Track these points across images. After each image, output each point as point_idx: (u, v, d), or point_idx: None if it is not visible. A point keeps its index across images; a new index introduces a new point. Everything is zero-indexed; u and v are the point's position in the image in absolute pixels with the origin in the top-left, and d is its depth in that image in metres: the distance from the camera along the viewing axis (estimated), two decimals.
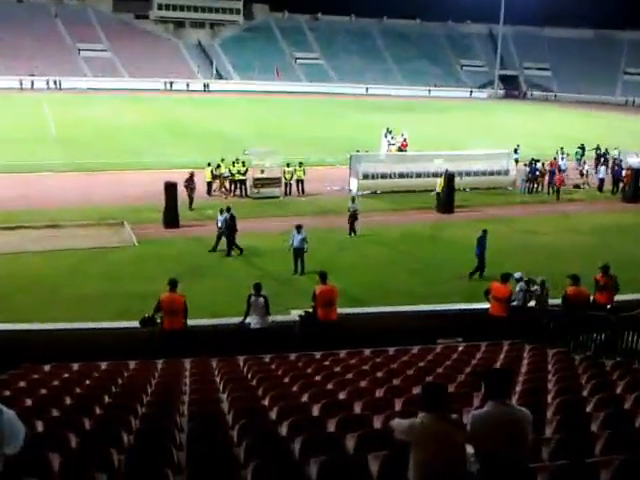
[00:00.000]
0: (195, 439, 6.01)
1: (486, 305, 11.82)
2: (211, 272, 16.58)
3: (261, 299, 11.18)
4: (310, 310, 11.61)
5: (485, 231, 16.75)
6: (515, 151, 31.21)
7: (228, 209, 18.21)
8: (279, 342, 11.15)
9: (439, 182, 24.89)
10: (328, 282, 11.69)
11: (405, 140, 34.74)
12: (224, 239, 18.15)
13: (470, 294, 14.71)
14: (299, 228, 16.41)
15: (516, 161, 29.51)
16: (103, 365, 9.61)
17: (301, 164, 26.62)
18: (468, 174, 28.45)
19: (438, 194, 24.79)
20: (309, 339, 11.33)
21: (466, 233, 21.21)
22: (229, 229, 18.01)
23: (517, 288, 11.93)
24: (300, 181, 26.38)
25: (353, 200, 20.26)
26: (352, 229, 20.06)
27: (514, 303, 11.66)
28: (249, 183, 25.72)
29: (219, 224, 18.27)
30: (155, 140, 38.38)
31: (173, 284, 10.96)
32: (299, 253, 16.35)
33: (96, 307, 13.79)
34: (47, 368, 9.44)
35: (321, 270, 12.21)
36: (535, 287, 11.96)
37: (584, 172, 30.35)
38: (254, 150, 27.98)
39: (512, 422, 4.54)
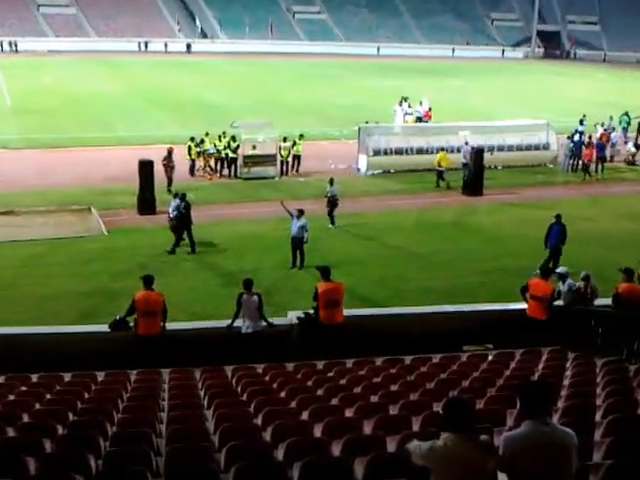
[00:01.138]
0: (175, 464, 6.00)
1: (522, 305, 11.77)
2: (193, 266, 16.59)
3: (254, 297, 11.16)
4: (311, 311, 11.59)
5: (559, 217, 16.23)
6: (581, 122, 30.77)
7: (183, 196, 17.62)
8: (274, 349, 11.15)
9: (438, 157, 24.77)
10: (332, 278, 11.65)
11: (429, 110, 34.38)
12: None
13: (502, 292, 14.65)
14: (300, 213, 16.36)
15: (580, 134, 28.84)
16: (66, 377, 9.62)
17: (302, 136, 26.54)
18: (500, 149, 28.39)
19: (439, 174, 24.66)
20: (310, 346, 11.32)
21: (497, 220, 21.28)
22: (182, 220, 17.24)
23: (565, 287, 11.83)
24: (297, 157, 26.35)
25: (331, 182, 19.65)
26: (331, 219, 19.33)
27: (558, 302, 11.58)
28: (238, 161, 25.70)
29: (171, 212, 17.48)
30: (128, 110, 38.40)
31: (149, 281, 10.94)
32: (298, 243, 16.33)
33: (58, 308, 13.81)
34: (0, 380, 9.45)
35: (324, 264, 12.16)
36: (579, 283, 11.88)
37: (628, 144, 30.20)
38: (244, 122, 27.92)
39: (553, 445, 4.48)
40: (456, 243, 18.84)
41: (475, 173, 24.05)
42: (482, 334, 11.95)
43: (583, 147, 27.63)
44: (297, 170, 26.44)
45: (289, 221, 16.77)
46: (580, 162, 27.47)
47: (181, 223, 17.42)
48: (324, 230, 19.33)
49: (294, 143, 26.20)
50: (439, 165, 24.89)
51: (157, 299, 10.82)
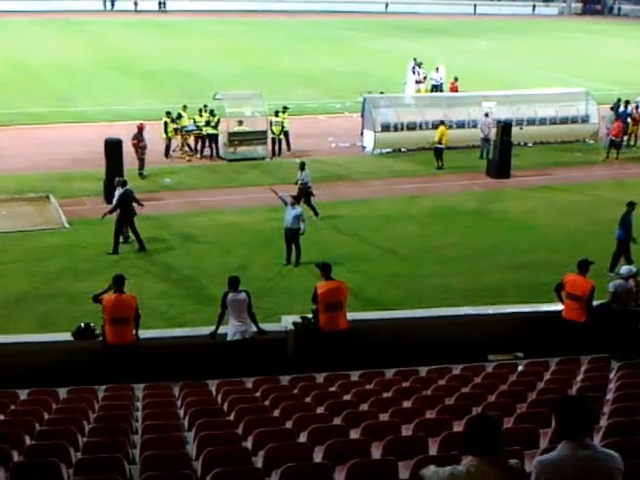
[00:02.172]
0: None
1: (557, 306, 11.79)
2: (170, 264, 16.60)
3: (242, 295, 11.18)
4: (309, 316, 11.61)
5: (632, 205, 15.89)
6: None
7: (124, 183, 17.36)
8: (266, 360, 11.17)
9: (438, 132, 24.77)
10: (334, 276, 11.67)
11: (455, 80, 33.73)
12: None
13: (534, 291, 14.68)
14: (294, 201, 16.37)
15: (626, 104, 28.18)
16: (22, 394, 9.63)
17: (285, 109, 26.55)
18: (531, 122, 28.45)
19: (439, 152, 24.64)
20: (308, 356, 11.34)
21: (527, 206, 21.32)
22: (124, 211, 16.91)
23: (615, 285, 11.79)
24: (285, 133, 26.35)
25: (302, 167, 19.36)
26: (313, 209, 19.10)
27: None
28: (222, 140, 25.72)
29: (115, 203, 17.17)
30: (91, 81, 38.36)
31: (119, 281, 10.96)
32: (293, 236, 16.35)
33: (12, 314, 13.84)
34: None
35: (323, 260, 12.18)
36: (631, 281, 11.89)
37: None
38: (228, 93, 27.92)
39: (594, 471, 4.49)
40: (479, 234, 18.88)
41: (501, 151, 24.06)
42: (510, 341, 11.97)
43: (628, 120, 27.51)
44: (289, 148, 26.49)
45: (282, 210, 16.78)
46: (621, 137, 27.13)
47: (122, 213, 17.02)
48: (323, 220, 19.35)
49: (282, 120, 26.02)
50: (439, 142, 24.80)
51: (129, 303, 10.84)
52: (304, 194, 18.98)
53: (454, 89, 33.53)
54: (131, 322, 10.81)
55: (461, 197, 22.12)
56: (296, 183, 19.34)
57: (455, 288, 15.32)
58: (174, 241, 18.10)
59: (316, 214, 19.22)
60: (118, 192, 17.27)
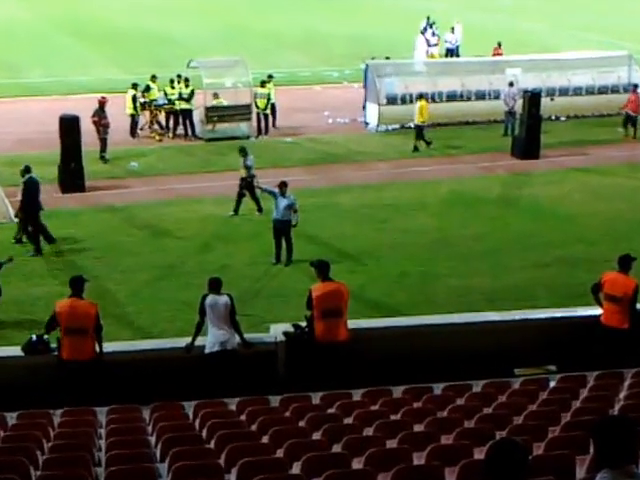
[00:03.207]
0: None
1: (596, 310, 11.81)
2: (137, 264, 16.58)
3: (223, 299, 11.18)
4: (303, 324, 11.62)
5: None
6: None
7: (27, 169, 17.24)
8: (253, 377, 11.16)
9: (418, 107, 24.69)
10: (333, 277, 11.68)
11: (499, 46, 32.97)
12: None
13: (568, 291, 14.73)
14: (282, 188, 16.34)
15: None
16: None
17: (271, 78, 26.54)
18: (564, 92, 28.50)
19: (419, 131, 24.64)
20: (302, 372, 11.34)
21: (560, 192, 21.33)
22: (27, 203, 16.84)
23: None
24: (272, 106, 26.33)
25: (244, 152, 19.15)
26: (256, 201, 18.83)
27: None
28: (198, 115, 25.70)
29: (20, 195, 17.08)
30: (42, 46, 38.18)
31: (77, 284, 10.95)
32: (283, 229, 16.34)
33: None
34: None
35: (320, 258, 12.17)
36: None
37: None
38: (205, 61, 27.88)
39: None
40: (504, 225, 18.91)
41: (529, 126, 24.07)
42: (541, 351, 11.99)
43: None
44: (274, 125, 26.50)
45: (270, 199, 16.83)
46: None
47: (25, 205, 16.89)
48: (321, 209, 19.36)
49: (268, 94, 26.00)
50: (420, 119, 24.61)
51: (87, 311, 10.82)
52: (247, 184, 18.76)
53: (498, 53, 33.11)
54: (90, 333, 10.76)
55: (483, 182, 22.15)
56: (241, 169, 18.96)
57: (476, 289, 15.34)
58: (143, 236, 18.08)
59: (259, 209, 18.90)
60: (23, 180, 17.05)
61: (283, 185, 16.40)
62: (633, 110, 26.41)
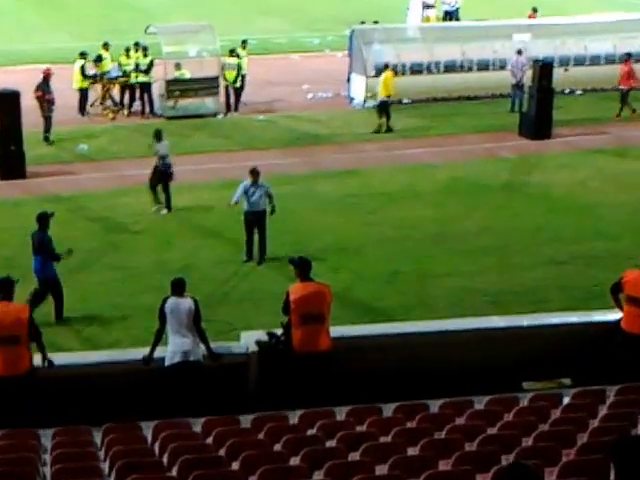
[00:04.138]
0: None
1: (616, 314, 11.85)
2: (87, 261, 16.47)
3: (186, 303, 11.12)
4: (279, 332, 11.57)
5: None
6: None
7: None
8: (221, 393, 11.13)
9: (382, 79, 24.79)
10: (315, 277, 11.65)
11: (535, 12, 31.95)
12: None
13: (585, 293, 14.78)
14: (254, 175, 16.29)
15: None
16: None
17: (245, 44, 26.58)
18: (579, 62, 28.58)
19: (384, 107, 24.73)
20: (277, 387, 11.30)
21: (575, 178, 21.37)
22: None
23: None
24: (242, 79, 26.27)
25: (158, 136, 18.87)
26: (167, 196, 18.71)
27: None
28: (157, 90, 25.67)
29: None
30: None
31: (5, 286, 10.89)
32: (257, 221, 16.31)
33: None
34: None
35: (299, 255, 12.11)
36: None
37: None
38: (165, 26, 27.91)
39: None
40: (511, 217, 18.93)
41: (539, 101, 24.11)
42: (553, 362, 11.99)
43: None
44: (238, 100, 26.40)
45: (229, 187, 16.98)
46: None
47: None
48: (299, 198, 19.36)
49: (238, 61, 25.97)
50: (385, 93, 24.70)
51: (18, 316, 10.73)
52: (160, 175, 18.51)
53: (533, 16, 32.39)
54: (23, 343, 10.66)
55: (487, 166, 22.19)
56: (155, 154, 18.78)
57: (479, 291, 15.35)
58: (93, 231, 18.00)
59: (169, 207, 18.72)
60: None
61: (255, 173, 16.30)
62: (625, 84, 26.35)
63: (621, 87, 26.45)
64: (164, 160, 18.63)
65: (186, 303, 11.16)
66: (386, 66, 25.26)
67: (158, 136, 18.95)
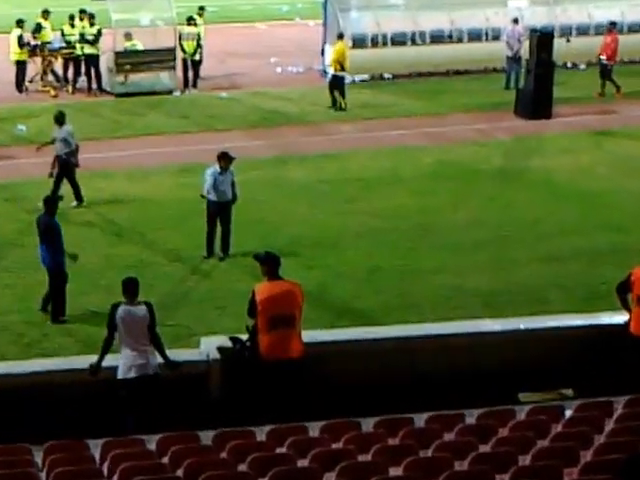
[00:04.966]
0: None
1: (622, 316, 11.93)
2: (26, 258, 16.35)
3: (140, 311, 11.08)
4: (244, 337, 11.56)
5: None
6: None
7: None
8: (178, 407, 11.13)
9: (335, 50, 24.90)
10: (284, 275, 11.65)
11: None
12: None
13: (588, 292, 14.87)
14: (226, 161, 16.28)
15: None
16: None
17: (202, 10, 26.62)
18: (583, 31, 28.82)
19: (337, 82, 24.84)
20: (242, 399, 11.30)
21: (579, 163, 21.48)
22: None
23: None
24: (201, 50, 26.28)
25: (60, 120, 18.39)
26: (74, 188, 18.48)
27: None
28: (106, 63, 25.65)
29: None
30: None
31: None
32: (222, 212, 16.31)
33: None
34: None
35: (267, 250, 12.08)
36: None
37: None
38: None
39: None
40: (506, 207, 19.03)
41: (538, 76, 24.23)
42: (553, 370, 12.03)
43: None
44: (197, 75, 26.42)
45: (201, 170, 16.74)
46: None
47: None
48: (267, 185, 19.40)
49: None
50: (337, 67, 24.86)
51: None
52: (62, 166, 18.21)
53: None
54: None
55: (479, 150, 22.31)
56: (49, 143, 18.56)
57: (471, 290, 15.39)
58: (33, 222, 17.87)
59: (79, 199, 18.59)
60: None
61: (226, 159, 16.25)
62: (608, 57, 26.40)
63: (604, 62, 26.36)
64: (67, 147, 18.22)
65: (140, 312, 11.09)
66: (340, 36, 25.51)
67: (59, 120, 18.43)
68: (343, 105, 24.84)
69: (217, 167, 16.21)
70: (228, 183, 16.21)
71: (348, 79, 26.45)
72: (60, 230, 14.11)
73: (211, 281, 15.71)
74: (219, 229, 16.46)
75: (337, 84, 24.87)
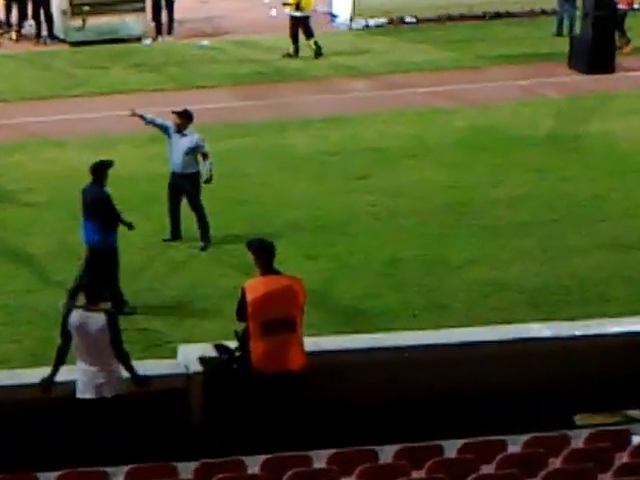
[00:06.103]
0: None
1: None
2: None
3: (99, 321, 11.04)
4: (232, 345, 11.61)
5: None
6: None
7: None
8: (150, 431, 11.14)
9: None
10: (280, 269, 11.65)
11: None
12: None
13: None
14: (182, 120, 16.26)
15: None
16: None
17: None
18: None
19: (301, 24, 25.15)
20: (230, 421, 11.36)
21: None
22: None
23: None
24: None
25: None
26: None
27: None
28: (58, 5, 25.77)
29: None
30: None
31: None
32: (182, 187, 16.37)
33: None
34: None
35: (259, 237, 12.10)
36: None
37: None
38: None
39: None
40: (557, 182, 19.04)
41: (597, 22, 24.22)
42: (617, 387, 12.03)
43: None
44: (171, 19, 26.64)
45: (164, 140, 16.79)
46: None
47: None
48: (259, 155, 19.44)
49: None
50: (297, 7, 25.18)
51: None
52: None
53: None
54: None
55: (523, 111, 22.39)
56: None
57: (513, 287, 15.40)
58: None
59: None
60: None
61: (183, 116, 16.33)
62: (628, 3, 26.63)
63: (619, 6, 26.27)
64: None
65: (98, 321, 11.02)
66: None
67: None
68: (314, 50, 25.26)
69: (173, 126, 16.40)
70: (181, 150, 16.18)
71: (361, 23, 26.49)
72: (112, 202, 14.26)
73: (190, 275, 15.68)
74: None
75: (303, 24, 25.26)
